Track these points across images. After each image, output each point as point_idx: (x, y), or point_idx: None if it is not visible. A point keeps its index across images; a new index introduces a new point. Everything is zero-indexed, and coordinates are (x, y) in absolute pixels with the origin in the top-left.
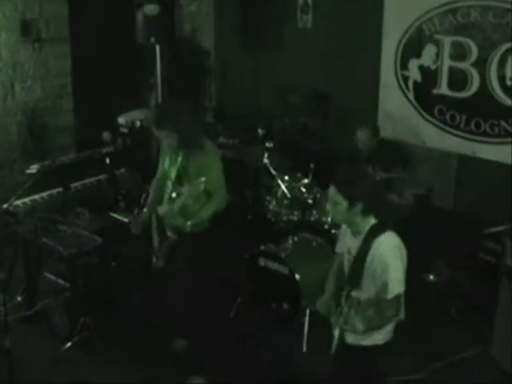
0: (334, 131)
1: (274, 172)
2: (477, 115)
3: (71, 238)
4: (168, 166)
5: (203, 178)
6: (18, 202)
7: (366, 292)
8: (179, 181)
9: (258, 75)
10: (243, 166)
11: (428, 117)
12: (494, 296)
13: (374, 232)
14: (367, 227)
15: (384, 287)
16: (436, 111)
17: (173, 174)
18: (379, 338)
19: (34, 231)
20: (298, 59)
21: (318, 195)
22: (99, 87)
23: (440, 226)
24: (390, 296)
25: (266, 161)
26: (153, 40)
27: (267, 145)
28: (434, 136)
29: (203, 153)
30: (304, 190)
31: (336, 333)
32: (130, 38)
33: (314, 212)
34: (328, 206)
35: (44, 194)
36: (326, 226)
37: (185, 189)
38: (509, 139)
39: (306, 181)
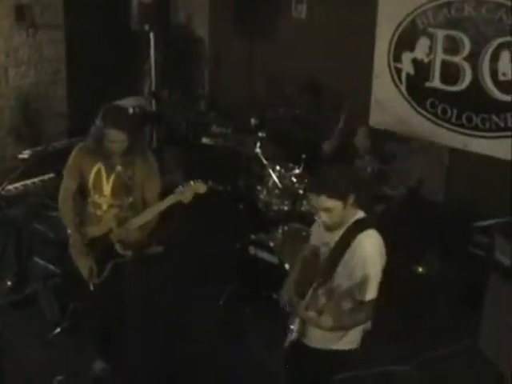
0: (326, 121)
1: (265, 162)
2: (468, 109)
3: (62, 224)
4: (95, 177)
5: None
6: (10, 187)
7: (338, 287)
8: (121, 192)
9: (251, 64)
10: (235, 155)
11: (420, 109)
12: (482, 289)
13: (359, 226)
14: (352, 220)
15: (360, 288)
16: (428, 104)
17: (107, 187)
18: (343, 343)
19: (26, 216)
20: (292, 49)
21: None
22: (93, 74)
23: (430, 219)
24: (366, 298)
25: (257, 150)
26: (147, 27)
27: (260, 134)
28: (425, 128)
29: (147, 158)
30: (295, 180)
31: (295, 326)
32: (124, 24)
33: (305, 202)
34: (321, 215)
35: (36, 180)
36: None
37: (132, 199)
38: (500, 133)
39: (297, 171)
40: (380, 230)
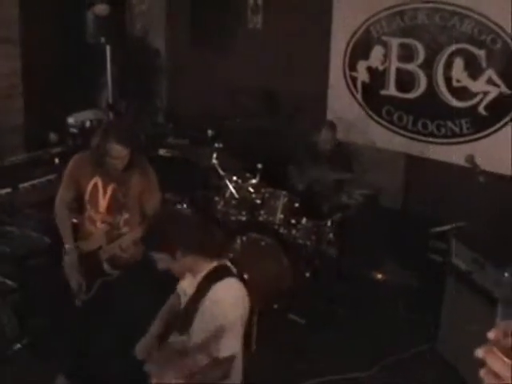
0: (283, 131)
1: (222, 172)
2: (424, 116)
3: (19, 239)
4: (92, 191)
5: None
6: None
7: (194, 340)
8: (115, 209)
9: (208, 75)
10: (192, 166)
11: (376, 117)
12: (440, 294)
13: (212, 278)
14: (204, 271)
15: (215, 343)
16: (384, 112)
17: (103, 202)
18: None
19: None
20: (248, 59)
21: (267, 195)
22: (50, 87)
23: (389, 226)
24: (221, 355)
25: (214, 161)
26: (103, 40)
27: (216, 145)
28: (382, 136)
29: (146, 172)
30: (252, 190)
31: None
32: (80, 38)
33: (262, 212)
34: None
35: None
36: (275, 226)
37: (128, 215)
38: (455, 139)
39: (253, 181)
40: (339, 238)
